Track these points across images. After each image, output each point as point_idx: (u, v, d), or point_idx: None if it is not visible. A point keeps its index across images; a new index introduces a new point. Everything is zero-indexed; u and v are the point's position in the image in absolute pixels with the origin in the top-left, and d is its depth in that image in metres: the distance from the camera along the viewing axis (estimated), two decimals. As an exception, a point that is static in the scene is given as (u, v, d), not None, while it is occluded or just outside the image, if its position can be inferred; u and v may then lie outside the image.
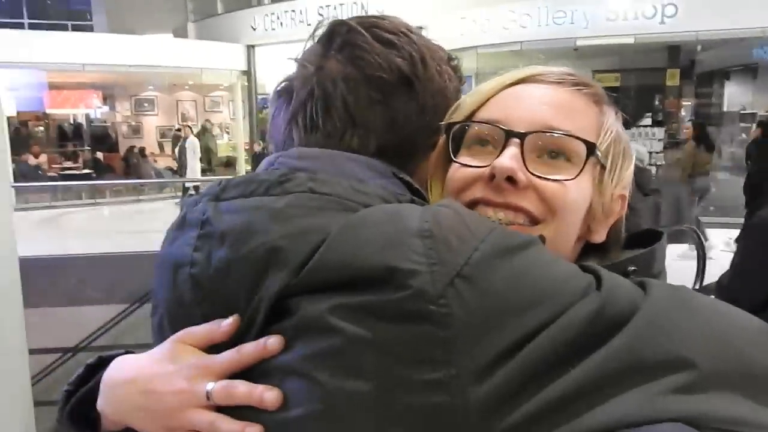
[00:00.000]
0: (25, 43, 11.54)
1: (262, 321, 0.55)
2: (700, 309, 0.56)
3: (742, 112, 11.00)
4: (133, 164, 13.76)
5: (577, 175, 0.65)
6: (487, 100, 0.70)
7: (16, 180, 10.09)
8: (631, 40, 9.06)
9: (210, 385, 0.55)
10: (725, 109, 11.62)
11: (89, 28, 16.80)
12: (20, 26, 15.90)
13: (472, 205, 0.66)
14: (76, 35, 14.49)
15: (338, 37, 0.67)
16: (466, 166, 0.67)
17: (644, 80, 11.19)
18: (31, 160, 12.94)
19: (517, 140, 0.65)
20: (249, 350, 0.55)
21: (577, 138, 0.65)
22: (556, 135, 0.65)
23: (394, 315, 0.50)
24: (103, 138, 15.65)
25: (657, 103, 10.81)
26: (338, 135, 0.66)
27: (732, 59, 10.95)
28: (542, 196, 0.65)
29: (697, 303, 0.57)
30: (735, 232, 6.49)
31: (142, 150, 14.09)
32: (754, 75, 11.13)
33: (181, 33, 15.00)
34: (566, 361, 0.51)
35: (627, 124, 0.76)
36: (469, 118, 0.70)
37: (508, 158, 0.64)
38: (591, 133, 0.67)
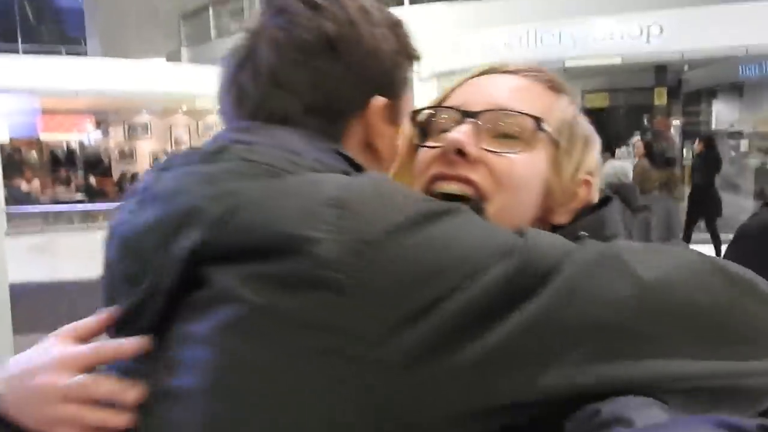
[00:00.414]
0: (18, 69, 11.58)
1: (172, 282, 0.55)
2: (632, 260, 0.54)
3: (730, 130, 11.13)
4: (126, 189, 13.73)
5: (525, 149, 0.70)
6: (452, 92, 0.76)
7: (8, 206, 10.03)
8: (618, 60, 9.19)
9: (72, 379, 0.57)
10: (714, 127, 11.75)
11: (83, 52, 16.89)
12: (14, 50, 15.95)
13: (432, 181, 0.70)
14: (70, 60, 14.55)
15: (272, 6, 0.69)
16: (428, 147, 0.73)
17: (633, 99, 11.32)
18: (24, 186, 12.91)
19: (471, 119, 0.70)
20: (107, 347, 0.58)
21: (525, 114, 0.70)
22: (505, 112, 0.71)
23: (296, 283, 0.50)
24: (96, 163, 15.64)
25: (645, 122, 10.93)
26: (264, 100, 0.67)
27: (718, 78, 11.10)
28: (492, 170, 0.69)
29: (628, 252, 0.55)
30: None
31: (134, 175, 14.08)
32: (741, 93, 11.28)
33: (174, 57, 15.09)
34: (479, 325, 0.50)
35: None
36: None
37: (458, 132, 0.69)
38: (542, 112, 0.71)
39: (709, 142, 8.36)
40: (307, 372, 0.50)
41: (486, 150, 0.69)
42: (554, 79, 0.76)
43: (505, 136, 0.70)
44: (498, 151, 0.69)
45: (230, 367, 0.51)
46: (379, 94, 0.70)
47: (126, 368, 0.58)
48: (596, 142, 0.77)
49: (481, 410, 0.52)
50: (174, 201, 0.57)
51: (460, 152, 0.68)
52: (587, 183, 0.74)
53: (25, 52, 16.25)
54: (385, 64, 0.70)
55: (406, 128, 0.74)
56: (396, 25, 0.73)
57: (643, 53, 9.06)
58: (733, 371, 0.55)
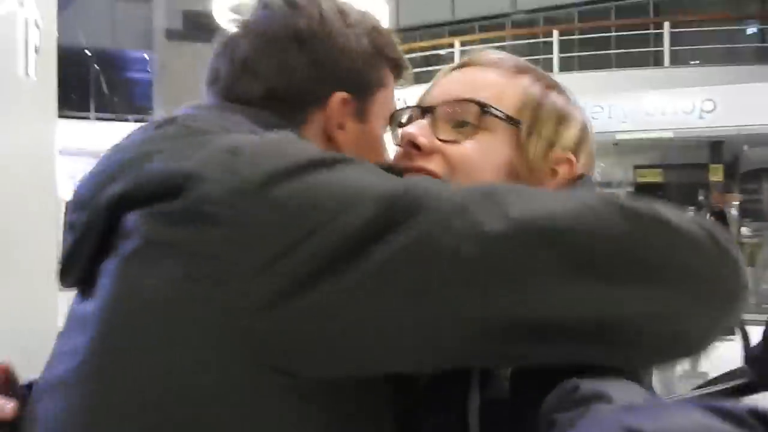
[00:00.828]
0: (87, 134, 12.38)
1: (100, 227, 0.59)
2: (509, 199, 0.53)
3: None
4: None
5: (480, 134, 0.72)
6: (426, 94, 0.80)
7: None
8: (670, 135, 9.10)
9: None
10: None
11: (150, 120, 17.93)
12: (87, 118, 17.05)
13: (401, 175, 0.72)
14: (135, 126, 15.44)
15: (260, 4, 0.76)
16: (398, 146, 0.78)
17: (687, 176, 11.11)
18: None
19: (428, 114, 0.75)
20: None
21: (470, 100, 0.73)
22: (453, 102, 0.74)
23: (183, 217, 0.54)
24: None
25: (701, 198, 10.66)
26: (234, 84, 0.73)
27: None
28: (447, 158, 0.72)
29: (510, 193, 0.54)
30: None
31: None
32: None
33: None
34: (348, 260, 0.51)
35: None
36: None
37: (410, 127, 0.75)
38: (495, 96, 0.73)
39: (719, 216, 8.19)
40: (186, 299, 0.52)
41: (439, 140, 0.73)
42: (518, 63, 0.78)
43: (462, 125, 0.73)
44: (450, 139, 0.73)
45: (122, 294, 0.55)
46: (347, 91, 0.73)
47: (76, 307, 0.62)
48: (574, 119, 0.75)
49: (369, 349, 0.52)
50: (114, 157, 0.62)
51: (415, 145, 0.72)
52: (569, 161, 0.74)
53: (97, 119, 17.34)
54: (355, 63, 0.74)
55: (377, 127, 0.78)
56: (375, 30, 0.77)
57: (696, 128, 8.96)
58: (631, 312, 0.52)
